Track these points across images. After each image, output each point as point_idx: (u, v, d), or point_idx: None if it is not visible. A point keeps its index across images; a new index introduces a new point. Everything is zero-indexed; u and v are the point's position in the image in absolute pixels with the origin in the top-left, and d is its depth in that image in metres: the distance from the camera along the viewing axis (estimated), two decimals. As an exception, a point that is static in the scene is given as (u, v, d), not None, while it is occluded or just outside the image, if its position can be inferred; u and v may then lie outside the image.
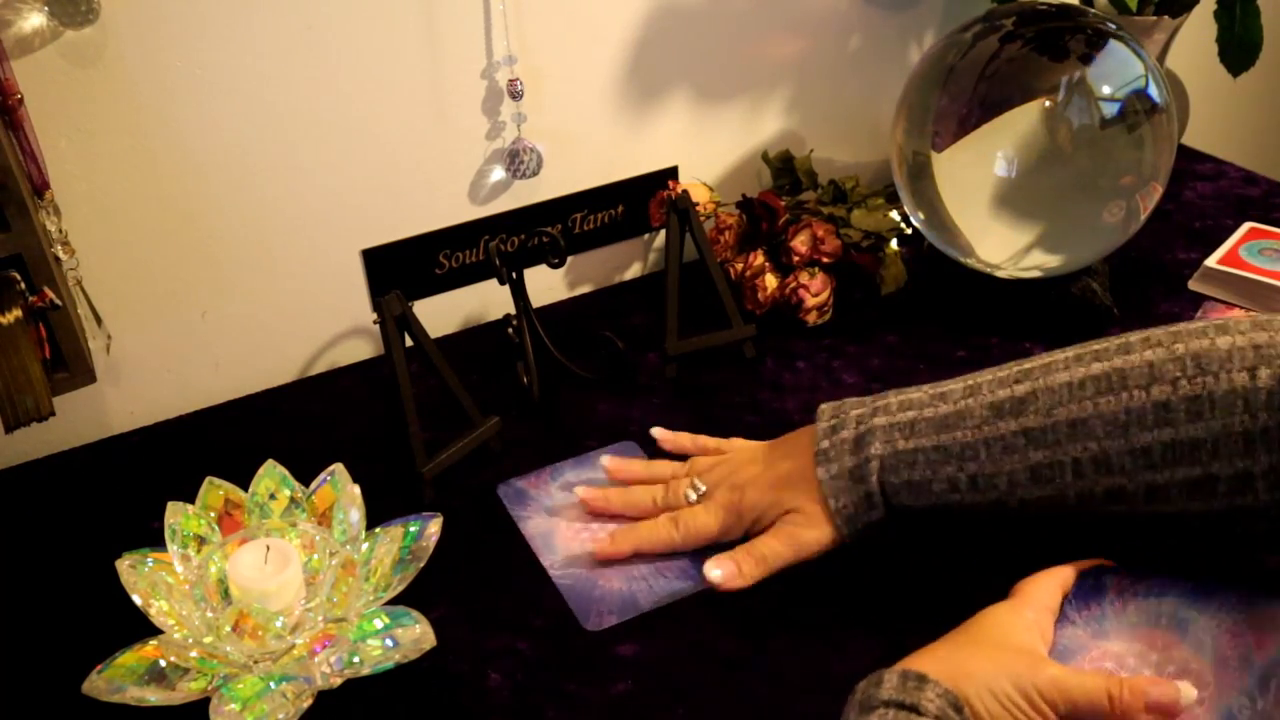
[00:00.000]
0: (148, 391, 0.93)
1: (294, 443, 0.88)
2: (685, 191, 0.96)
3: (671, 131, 1.06)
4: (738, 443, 0.81)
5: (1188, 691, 0.57)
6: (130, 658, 0.64)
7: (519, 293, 0.91)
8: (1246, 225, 1.05)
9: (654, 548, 0.75)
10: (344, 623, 0.68)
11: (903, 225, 1.01)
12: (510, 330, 0.93)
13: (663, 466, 0.81)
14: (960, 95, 0.91)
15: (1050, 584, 0.65)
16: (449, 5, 0.89)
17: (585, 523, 0.79)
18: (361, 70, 0.89)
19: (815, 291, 0.98)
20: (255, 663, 0.65)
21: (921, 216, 0.96)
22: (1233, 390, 0.60)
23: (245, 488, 0.74)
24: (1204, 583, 0.65)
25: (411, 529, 0.73)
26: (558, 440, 0.87)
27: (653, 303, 1.04)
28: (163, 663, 0.64)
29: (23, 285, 0.72)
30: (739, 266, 1.01)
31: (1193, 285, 1.00)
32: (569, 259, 1.05)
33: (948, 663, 0.57)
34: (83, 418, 0.90)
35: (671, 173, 1.08)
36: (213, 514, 0.72)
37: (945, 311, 1.00)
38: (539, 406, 0.91)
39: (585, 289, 1.10)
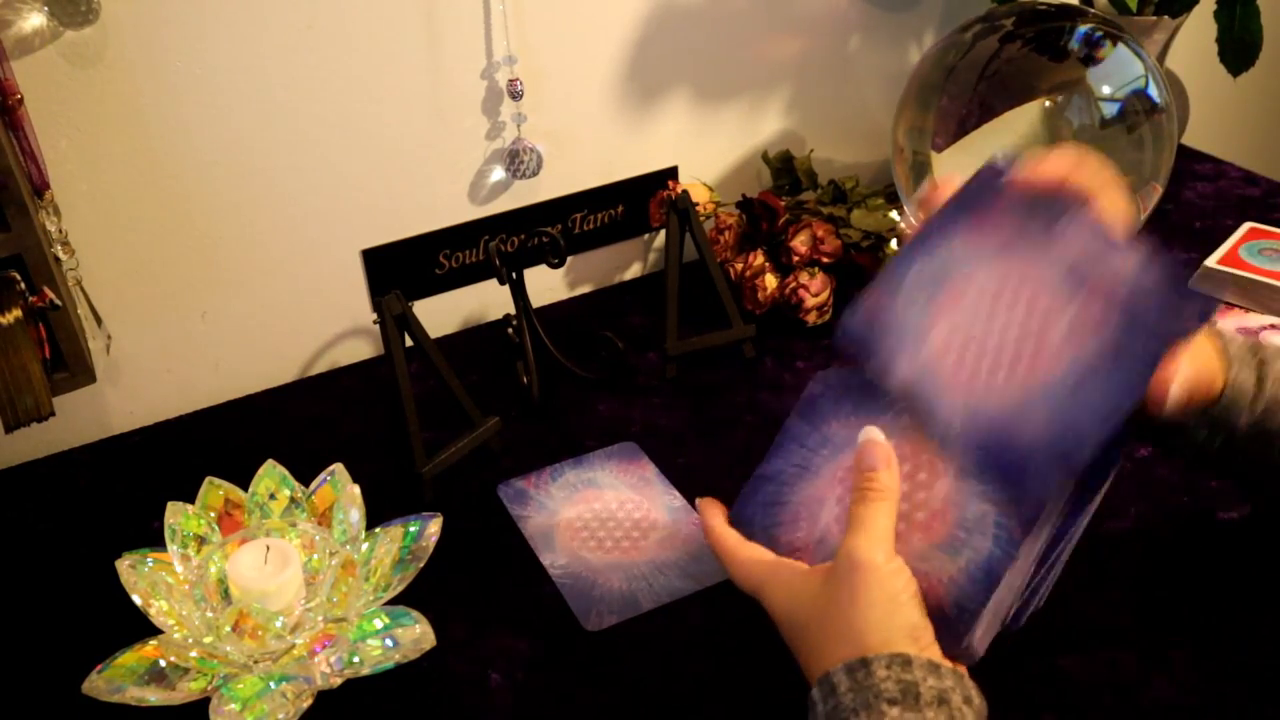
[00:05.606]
0: (148, 391, 0.93)
1: (294, 443, 0.88)
2: (685, 191, 0.96)
3: (671, 131, 1.06)
4: None
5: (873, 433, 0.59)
6: (130, 658, 0.64)
7: (519, 293, 0.91)
8: (1246, 225, 1.05)
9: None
10: (344, 623, 0.68)
11: (903, 225, 1.01)
12: (510, 330, 0.93)
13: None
14: (960, 95, 0.91)
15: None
16: (449, 5, 0.89)
17: (585, 522, 0.79)
18: (362, 70, 0.89)
19: (815, 291, 0.98)
20: (255, 663, 0.65)
21: (922, 216, 0.96)
22: None
23: (245, 488, 0.74)
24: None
25: (411, 529, 0.73)
26: (558, 440, 0.87)
27: (653, 303, 1.04)
28: (163, 663, 0.64)
29: (23, 285, 0.72)
30: (739, 266, 1.01)
31: (1192, 285, 1.00)
32: (569, 259, 1.05)
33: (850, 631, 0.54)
34: (83, 418, 0.90)
35: (671, 173, 1.08)
36: (213, 514, 0.72)
37: (945, 311, 0.99)
38: (539, 406, 0.91)
39: (585, 289, 1.10)
